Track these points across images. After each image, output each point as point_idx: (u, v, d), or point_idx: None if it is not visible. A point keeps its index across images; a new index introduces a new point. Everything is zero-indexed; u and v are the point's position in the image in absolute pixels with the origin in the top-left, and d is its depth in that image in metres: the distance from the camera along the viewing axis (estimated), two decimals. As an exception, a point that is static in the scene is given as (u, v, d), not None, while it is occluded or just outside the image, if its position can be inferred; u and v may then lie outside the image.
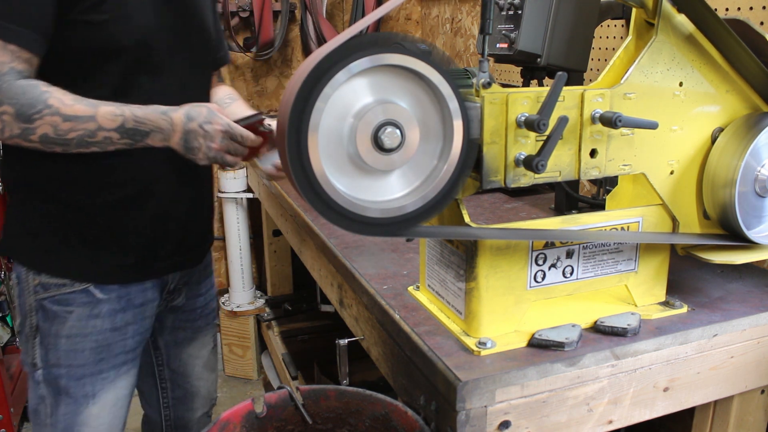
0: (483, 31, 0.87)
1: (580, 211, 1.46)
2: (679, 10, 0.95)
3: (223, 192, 2.68)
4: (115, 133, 1.07)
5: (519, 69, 1.30)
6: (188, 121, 1.10)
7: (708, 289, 1.13)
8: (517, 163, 0.89)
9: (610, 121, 0.89)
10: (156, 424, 1.55)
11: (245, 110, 1.39)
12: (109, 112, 1.06)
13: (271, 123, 1.19)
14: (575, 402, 0.93)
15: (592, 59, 1.74)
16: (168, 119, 1.10)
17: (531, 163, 0.86)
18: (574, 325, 0.96)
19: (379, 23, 2.81)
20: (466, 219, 0.91)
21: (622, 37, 1.65)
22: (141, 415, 1.61)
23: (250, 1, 2.62)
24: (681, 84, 0.97)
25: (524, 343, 0.94)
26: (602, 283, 1.01)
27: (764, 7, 1.24)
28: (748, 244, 1.03)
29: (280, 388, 0.98)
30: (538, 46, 1.17)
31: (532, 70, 1.26)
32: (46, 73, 1.09)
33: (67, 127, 1.04)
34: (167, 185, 1.24)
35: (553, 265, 0.97)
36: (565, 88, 0.87)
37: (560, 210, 1.53)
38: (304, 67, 0.76)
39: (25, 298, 1.20)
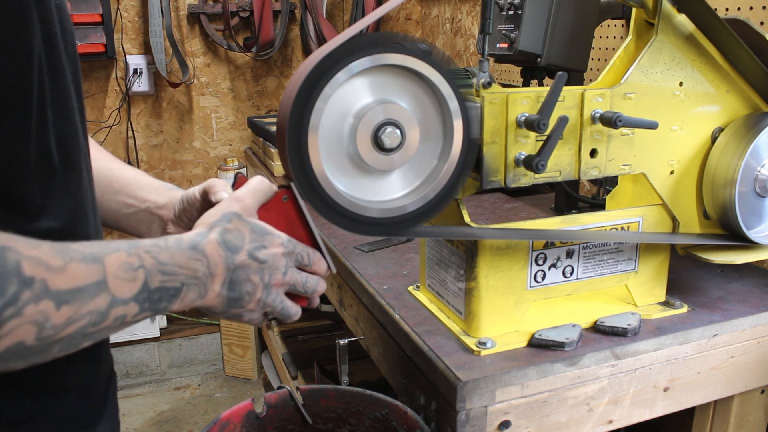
0: (483, 31, 0.87)
1: (580, 211, 1.46)
2: (680, 10, 0.95)
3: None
4: (134, 304, 0.61)
5: (519, 69, 1.30)
6: (231, 253, 0.69)
7: (708, 289, 1.13)
8: (517, 162, 0.89)
9: (610, 121, 0.89)
10: None
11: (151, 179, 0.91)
12: (121, 265, 0.60)
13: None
14: (575, 402, 0.93)
15: (592, 59, 1.74)
16: (201, 257, 0.67)
17: (531, 163, 0.86)
18: (574, 325, 0.96)
19: (379, 23, 2.81)
20: (466, 219, 0.91)
21: (622, 37, 1.65)
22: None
23: (250, 1, 2.62)
24: (681, 84, 0.97)
25: (524, 343, 0.94)
26: (602, 283, 1.01)
27: (764, 7, 1.24)
28: (748, 244, 1.03)
29: (280, 388, 0.98)
30: (538, 46, 1.17)
31: (532, 70, 1.26)
32: None
33: (63, 319, 0.55)
34: None
35: (553, 265, 0.97)
36: (565, 88, 0.87)
37: (560, 210, 1.53)
38: (304, 67, 0.76)
39: None
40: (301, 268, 0.77)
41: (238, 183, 0.79)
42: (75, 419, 0.73)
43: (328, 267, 0.79)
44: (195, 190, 0.87)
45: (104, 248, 0.61)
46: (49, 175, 0.64)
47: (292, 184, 0.77)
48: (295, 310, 0.76)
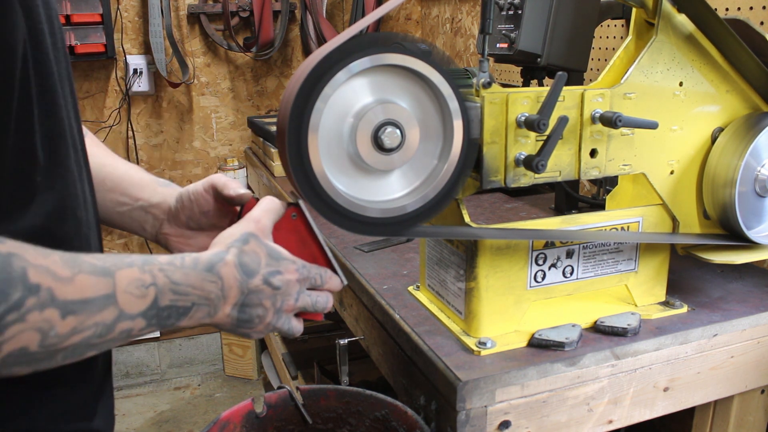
0: (483, 31, 0.87)
1: (580, 211, 1.46)
2: (680, 10, 0.95)
3: (223, 192, 2.68)
4: (141, 320, 0.62)
5: (519, 69, 1.30)
6: (246, 277, 0.70)
7: (708, 289, 1.13)
8: (517, 162, 0.89)
9: (610, 121, 0.89)
10: None
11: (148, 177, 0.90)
12: (132, 281, 0.61)
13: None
14: (575, 402, 0.93)
15: (592, 59, 1.74)
16: (216, 279, 0.68)
17: (531, 163, 0.86)
18: (574, 325, 0.96)
19: (379, 23, 2.81)
20: (466, 219, 0.91)
21: (622, 37, 1.65)
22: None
23: (250, 1, 2.62)
24: (681, 84, 0.97)
25: (524, 343, 0.94)
26: (602, 283, 1.01)
27: (764, 7, 1.24)
28: (748, 244, 1.03)
29: (280, 388, 0.98)
30: (538, 46, 1.18)
31: (532, 70, 1.26)
32: None
33: (67, 328, 0.55)
34: None
35: (553, 265, 0.97)
36: (565, 88, 0.87)
37: (560, 210, 1.53)
38: (304, 67, 0.76)
39: None
40: (314, 287, 0.78)
41: (248, 205, 0.80)
42: (70, 412, 0.73)
43: (341, 281, 0.81)
44: (199, 187, 0.86)
45: (118, 262, 0.61)
46: (32, 170, 0.64)
47: (300, 201, 0.79)
48: (299, 328, 0.78)
